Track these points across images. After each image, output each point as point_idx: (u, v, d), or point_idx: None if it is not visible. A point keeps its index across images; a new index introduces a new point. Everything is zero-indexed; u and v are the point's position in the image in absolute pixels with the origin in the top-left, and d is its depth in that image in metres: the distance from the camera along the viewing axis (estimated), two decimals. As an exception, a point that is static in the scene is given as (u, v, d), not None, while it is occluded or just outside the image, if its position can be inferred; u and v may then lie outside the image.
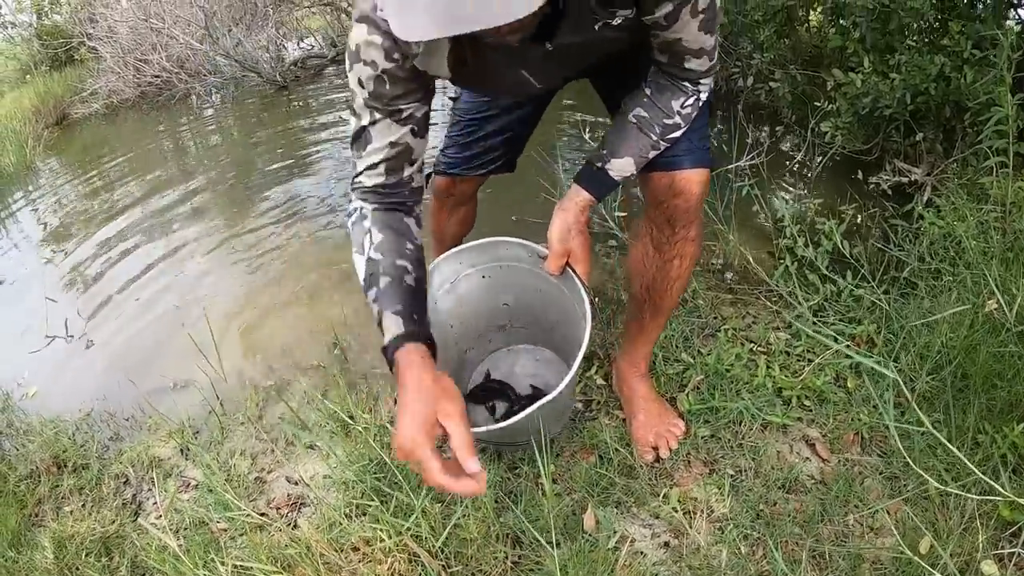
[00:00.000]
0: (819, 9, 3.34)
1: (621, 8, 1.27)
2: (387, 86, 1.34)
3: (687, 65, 1.38)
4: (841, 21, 2.90)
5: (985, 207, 2.16)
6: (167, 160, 5.56)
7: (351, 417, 1.97)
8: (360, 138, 1.42)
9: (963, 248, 2.06)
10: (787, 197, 3.03)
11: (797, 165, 3.23)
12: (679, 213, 1.55)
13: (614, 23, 1.29)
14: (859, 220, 2.61)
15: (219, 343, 2.52)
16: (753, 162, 2.82)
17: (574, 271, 1.57)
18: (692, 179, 1.51)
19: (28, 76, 10.58)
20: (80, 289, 3.51)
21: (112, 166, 5.63)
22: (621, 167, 1.49)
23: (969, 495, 1.37)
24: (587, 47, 1.36)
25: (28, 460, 2.26)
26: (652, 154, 1.49)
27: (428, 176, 2.07)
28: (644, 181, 1.59)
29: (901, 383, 1.08)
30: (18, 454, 2.33)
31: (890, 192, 2.76)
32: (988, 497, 1.41)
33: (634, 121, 1.46)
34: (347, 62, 1.36)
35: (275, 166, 4.67)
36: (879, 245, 2.38)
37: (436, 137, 1.90)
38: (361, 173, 1.45)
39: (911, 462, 1.42)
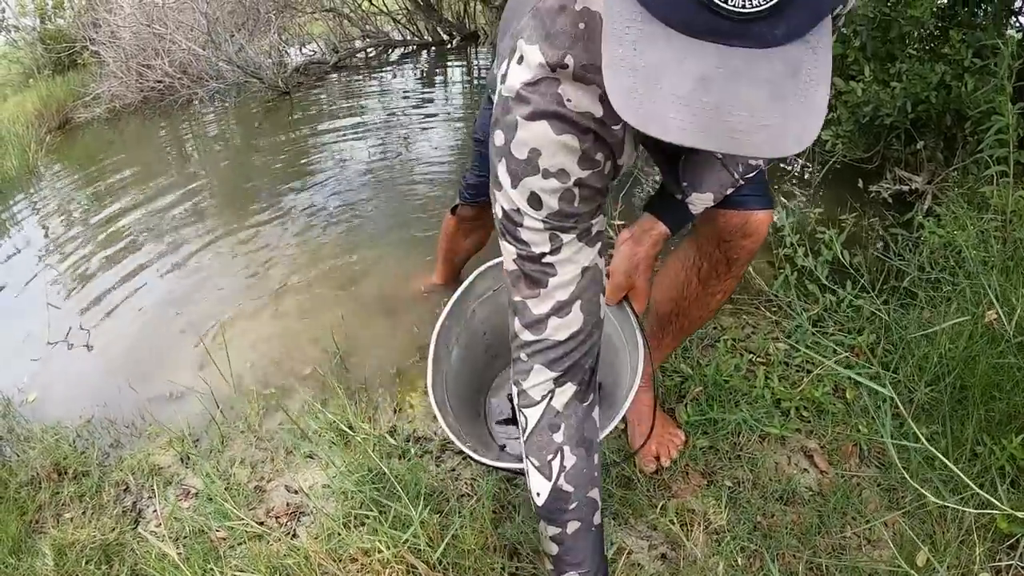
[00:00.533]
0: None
1: None
2: (576, 202, 1.08)
3: None
4: (841, 29, 2.90)
5: (985, 216, 2.16)
6: (169, 165, 5.56)
7: (350, 427, 1.97)
8: (528, 276, 1.13)
9: (963, 258, 2.06)
10: (788, 205, 3.03)
11: (797, 173, 3.22)
12: (744, 254, 1.51)
13: None
14: (859, 229, 2.60)
15: (219, 351, 2.52)
16: None
17: (631, 307, 1.49)
18: (765, 222, 1.48)
19: (31, 80, 10.59)
20: (81, 295, 3.50)
21: (114, 171, 5.63)
22: (703, 200, 1.38)
23: (966, 508, 1.37)
24: None
25: (29, 466, 2.25)
26: (729, 191, 1.39)
27: (455, 208, 2.08)
28: (709, 217, 1.47)
29: (898, 401, 1.08)
30: (19, 460, 2.32)
31: (891, 201, 2.76)
32: (985, 510, 1.40)
33: (719, 156, 1.34)
34: (508, 172, 1.07)
35: (276, 173, 4.68)
36: (879, 254, 2.38)
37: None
38: (543, 322, 1.14)
39: (908, 476, 1.42)
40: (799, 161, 3.30)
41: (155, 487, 2.10)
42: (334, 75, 7.44)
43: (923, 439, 1.20)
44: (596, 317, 1.17)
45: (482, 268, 1.70)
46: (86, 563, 1.86)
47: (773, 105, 0.73)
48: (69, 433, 2.41)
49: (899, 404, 1.16)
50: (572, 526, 1.20)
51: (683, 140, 0.75)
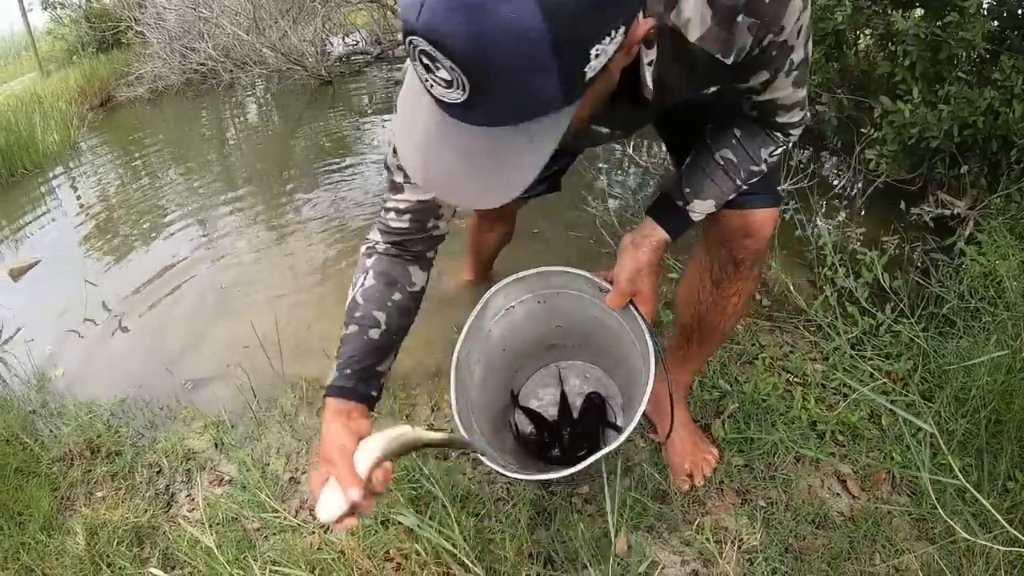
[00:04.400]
0: (869, 34, 3.31)
1: (712, 86, 1.23)
2: None
3: (779, 120, 1.33)
4: (891, 47, 2.88)
5: (1027, 246, 2.14)
6: (209, 148, 5.61)
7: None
8: (394, 185, 1.39)
9: (1004, 288, 2.04)
10: (830, 224, 3.01)
11: (840, 191, 3.20)
12: (748, 254, 1.52)
13: (702, 96, 1.27)
14: (900, 252, 2.58)
15: (256, 337, 2.53)
16: (799, 186, 2.80)
17: (638, 311, 1.51)
18: (766, 220, 1.48)
19: (75, 57, 10.73)
20: (118, 273, 3.55)
21: (154, 150, 5.69)
22: (703, 207, 1.43)
23: (995, 544, 1.36)
24: (668, 112, 1.38)
25: (61, 442, 2.28)
26: (732, 197, 1.43)
27: None
28: (711, 219, 1.50)
29: (938, 436, 1.08)
30: (51, 435, 2.35)
31: (932, 224, 2.73)
32: (1014, 548, 1.40)
33: (721, 163, 1.40)
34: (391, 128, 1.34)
35: (316, 161, 4.71)
36: (919, 279, 2.35)
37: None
38: (388, 211, 1.42)
39: (940, 508, 1.41)
40: (841, 178, 3.28)
41: (190, 471, 2.12)
42: (376, 66, 7.47)
43: (960, 474, 1.19)
44: (421, 226, 1.41)
45: (494, 288, 1.73)
46: (117, 544, 1.87)
47: (469, 172, 0.88)
48: (103, 412, 2.43)
49: (938, 439, 1.15)
50: (351, 328, 1.40)
51: (417, 180, 0.92)
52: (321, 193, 4.05)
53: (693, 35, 1.06)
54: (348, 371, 1.37)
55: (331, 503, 1.21)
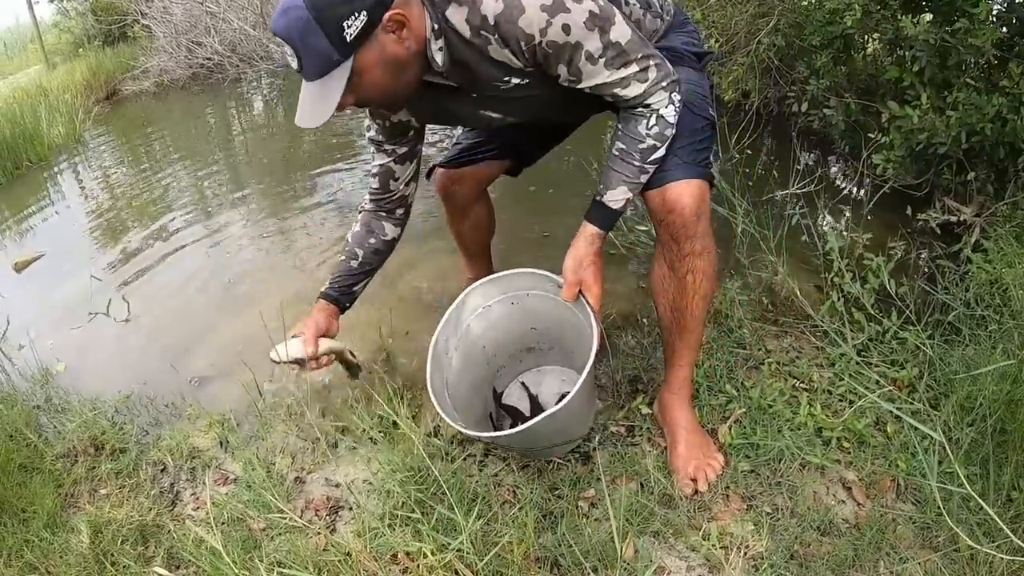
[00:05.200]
0: (877, 38, 3.31)
1: (514, 78, 1.56)
2: (374, 132, 1.91)
3: (623, 95, 1.54)
4: (899, 52, 2.87)
5: (1034, 254, 2.13)
6: (214, 142, 5.61)
7: (395, 424, 1.98)
8: (372, 153, 1.97)
9: (1010, 296, 2.03)
10: (836, 228, 3.00)
11: (846, 196, 3.19)
12: (677, 228, 1.61)
13: (511, 87, 1.58)
14: (907, 257, 2.56)
15: (262, 334, 2.52)
16: (805, 190, 2.80)
17: (586, 299, 1.70)
18: (682, 192, 1.58)
19: (80, 50, 10.72)
20: (123, 268, 3.55)
21: (159, 144, 5.70)
22: (616, 196, 1.62)
23: (998, 553, 1.36)
24: (513, 100, 1.65)
25: (65, 439, 2.27)
26: (643, 178, 1.59)
27: (429, 171, 2.27)
28: (645, 204, 1.67)
29: (946, 445, 1.07)
30: (55, 431, 2.35)
31: (938, 231, 2.72)
32: (1017, 557, 1.39)
33: (616, 153, 1.60)
34: None
35: (322, 157, 4.70)
36: (925, 286, 2.35)
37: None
38: (368, 176, 2.05)
39: (947, 516, 1.40)
40: (847, 183, 3.28)
41: (196, 470, 2.12)
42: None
43: (966, 483, 1.19)
44: (387, 187, 2.00)
45: (471, 287, 1.95)
46: (122, 542, 1.86)
47: (309, 106, 1.43)
48: (107, 408, 2.43)
49: (947, 447, 1.15)
50: (341, 257, 2.06)
51: (296, 120, 1.45)
52: (327, 188, 4.07)
53: (466, 35, 1.46)
54: (335, 285, 2.01)
55: (289, 348, 1.83)
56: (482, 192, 2.34)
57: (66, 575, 1.79)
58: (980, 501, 1.20)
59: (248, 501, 1.88)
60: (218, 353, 2.65)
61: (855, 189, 3.21)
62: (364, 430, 2.03)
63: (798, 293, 2.34)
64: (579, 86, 1.53)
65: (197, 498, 2.03)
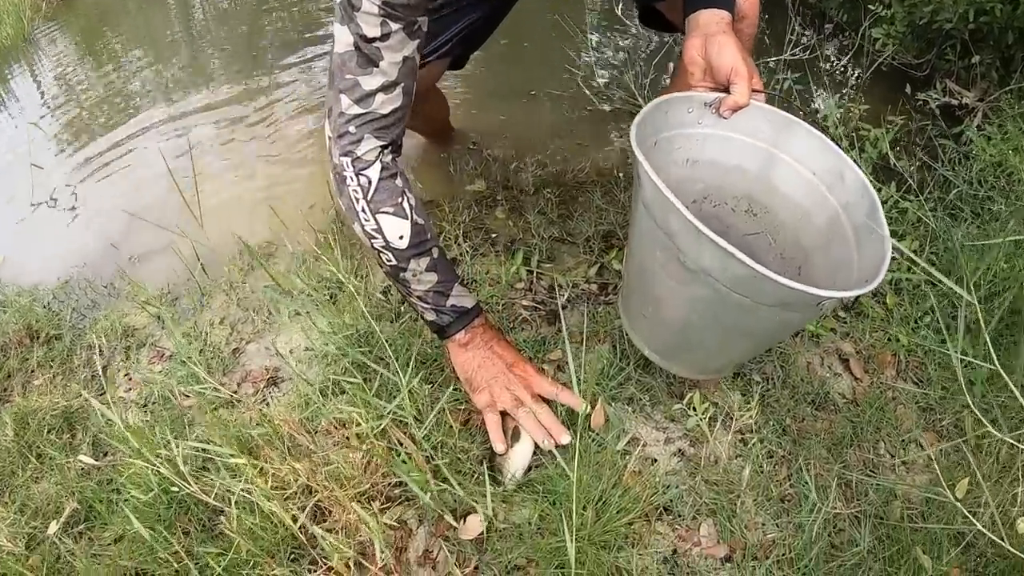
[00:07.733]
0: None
1: None
2: (394, 75, 1.29)
3: None
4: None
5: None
6: (176, 29, 5.37)
7: (339, 283, 1.79)
8: (362, 54, 1.26)
9: (1015, 179, 1.93)
10: (831, 99, 2.83)
11: (843, 69, 3.02)
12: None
13: None
14: (906, 134, 2.45)
15: (209, 208, 2.40)
16: (796, 57, 2.66)
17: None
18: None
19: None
20: (70, 157, 3.36)
21: (115, 34, 5.45)
22: None
23: (1008, 439, 1.19)
24: None
25: (0, 332, 2.11)
26: None
27: None
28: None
29: (976, 304, 0.91)
30: (-10, 326, 2.18)
31: (938, 112, 2.55)
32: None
33: None
34: None
35: (285, 38, 4.45)
36: (926, 160, 2.22)
37: None
38: (372, 96, 1.29)
39: (966, 392, 1.23)
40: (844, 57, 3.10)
41: (129, 349, 1.95)
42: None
43: (993, 354, 1.02)
44: (410, 99, 1.34)
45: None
46: (47, 432, 1.74)
47: None
48: (44, 295, 2.27)
49: (978, 309, 0.98)
50: (436, 251, 1.38)
51: None
52: (289, 73, 3.84)
53: None
54: (453, 302, 1.40)
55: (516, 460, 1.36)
56: (430, 88, 2.10)
57: (-13, 470, 1.64)
58: (1005, 376, 1.03)
59: (180, 377, 1.70)
60: (159, 230, 2.45)
61: (851, 64, 3.02)
62: (308, 293, 1.84)
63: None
64: None
65: (130, 378, 1.86)
